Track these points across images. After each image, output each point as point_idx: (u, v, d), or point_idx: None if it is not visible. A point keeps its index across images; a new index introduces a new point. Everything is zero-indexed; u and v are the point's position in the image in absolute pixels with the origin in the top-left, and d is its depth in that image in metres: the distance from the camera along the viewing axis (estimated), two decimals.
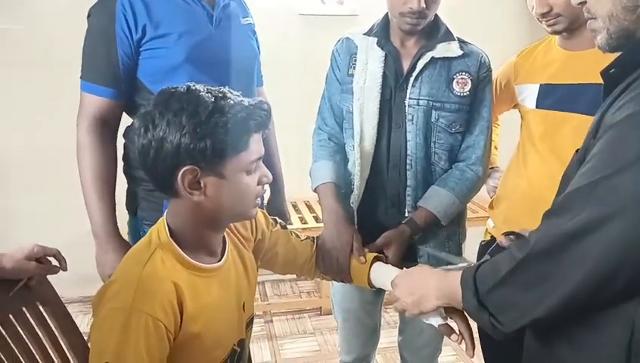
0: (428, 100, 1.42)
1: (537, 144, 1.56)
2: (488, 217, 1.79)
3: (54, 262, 1.20)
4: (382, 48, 1.46)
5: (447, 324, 1.14)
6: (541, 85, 1.55)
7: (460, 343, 1.13)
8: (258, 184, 1.05)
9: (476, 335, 1.15)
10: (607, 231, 0.74)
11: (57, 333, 1.22)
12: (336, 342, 2.69)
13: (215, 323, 1.05)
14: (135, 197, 1.48)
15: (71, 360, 1.24)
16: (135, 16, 1.33)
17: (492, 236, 1.66)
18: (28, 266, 1.13)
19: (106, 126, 1.39)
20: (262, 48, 1.66)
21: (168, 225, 1.03)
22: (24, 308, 1.17)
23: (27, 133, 2.82)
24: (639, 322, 0.79)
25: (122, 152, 1.50)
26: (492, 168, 1.81)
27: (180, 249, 1.02)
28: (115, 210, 1.41)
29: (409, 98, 1.43)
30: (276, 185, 1.77)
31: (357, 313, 1.69)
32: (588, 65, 1.34)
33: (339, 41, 1.56)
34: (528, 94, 1.59)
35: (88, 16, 1.38)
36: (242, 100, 0.99)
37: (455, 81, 1.43)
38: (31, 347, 1.17)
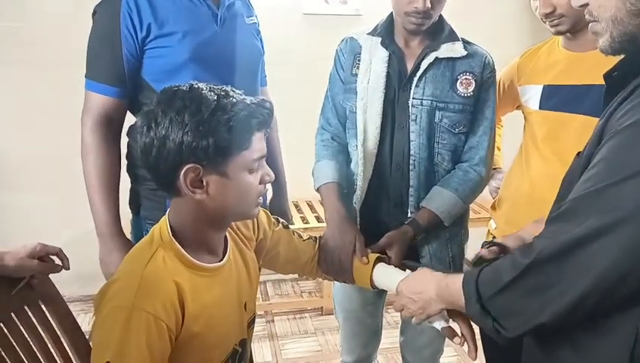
0: (432, 100, 1.42)
1: (540, 145, 1.56)
2: (490, 218, 1.79)
3: (57, 261, 1.20)
4: (386, 48, 1.45)
5: (450, 326, 1.14)
6: (544, 86, 1.55)
7: (462, 346, 1.13)
8: (260, 183, 1.05)
9: (477, 335, 1.15)
10: (614, 238, 0.73)
11: (58, 332, 1.23)
12: (337, 343, 2.68)
13: (216, 322, 1.05)
14: (138, 195, 1.48)
15: (73, 358, 1.24)
16: (140, 15, 1.33)
17: (494, 237, 1.66)
18: (30, 264, 1.13)
19: (110, 125, 1.39)
20: (265, 47, 1.65)
21: (170, 224, 1.03)
22: (26, 307, 1.18)
23: (29, 131, 2.82)
24: None
25: (126, 151, 1.50)
26: (494, 169, 1.81)
27: (182, 249, 1.01)
28: (118, 209, 1.41)
29: (413, 98, 1.43)
30: (278, 185, 1.77)
31: (358, 313, 1.69)
32: (591, 66, 1.33)
33: (343, 40, 1.56)
34: (531, 95, 1.58)
35: (93, 14, 1.38)
36: (244, 99, 0.99)
37: (458, 81, 1.43)
38: (33, 346, 1.17)
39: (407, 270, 1.26)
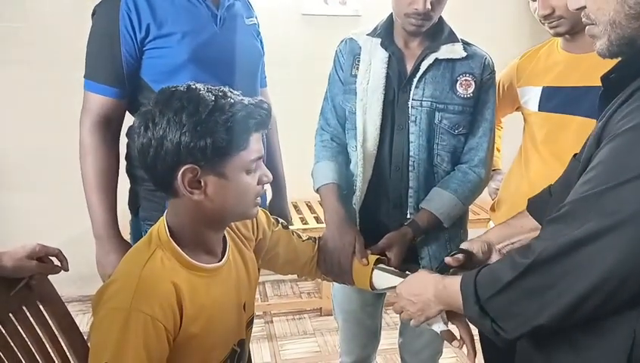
0: (431, 101, 1.42)
1: (539, 147, 1.56)
2: (489, 219, 1.79)
3: (56, 262, 1.20)
4: (386, 49, 1.45)
5: (449, 330, 1.14)
6: (544, 87, 1.55)
7: (461, 349, 1.13)
8: (258, 184, 1.05)
9: (476, 336, 1.15)
10: (613, 240, 0.73)
11: (56, 333, 1.22)
12: (336, 343, 2.68)
13: (215, 323, 1.04)
14: (137, 196, 1.48)
15: (71, 359, 1.24)
16: (139, 15, 1.33)
17: None
18: (29, 265, 1.13)
19: (109, 126, 1.39)
20: (265, 48, 1.65)
21: (168, 225, 1.03)
22: (24, 307, 1.17)
23: (27, 132, 2.82)
24: None
25: (125, 151, 1.50)
26: (494, 170, 1.81)
27: (180, 249, 1.01)
28: (116, 210, 1.41)
29: (412, 99, 1.42)
30: (278, 186, 1.77)
31: (357, 314, 1.69)
32: (591, 68, 1.33)
33: (342, 41, 1.56)
34: (531, 97, 1.58)
35: (93, 14, 1.38)
36: (242, 99, 0.99)
37: (458, 83, 1.43)
38: (31, 346, 1.16)
39: (407, 272, 1.26)
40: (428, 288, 1.06)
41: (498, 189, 1.80)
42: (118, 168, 1.43)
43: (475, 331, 1.10)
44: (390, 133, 1.47)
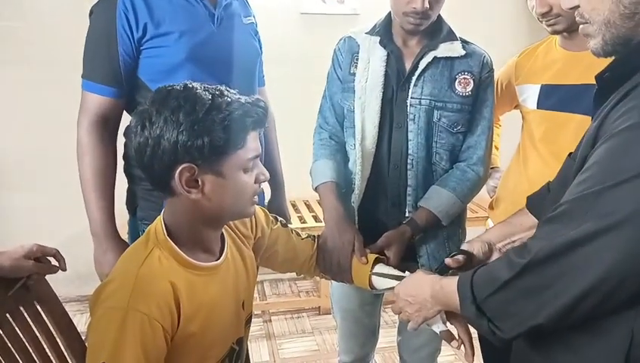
0: (430, 99, 1.42)
1: (538, 145, 1.56)
2: (488, 217, 1.79)
3: (53, 262, 1.20)
4: (384, 47, 1.45)
5: (448, 330, 1.14)
6: (542, 85, 1.55)
7: (459, 349, 1.13)
8: (255, 183, 1.05)
9: (475, 335, 1.14)
10: (610, 241, 0.73)
11: (54, 333, 1.22)
12: (335, 342, 2.68)
13: (213, 322, 1.04)
14: (134, 196, 1.47)
15: (69, 359, 1.24)
16: (137, 14, 1.32)
17: None
18: (26, 265, 1.13)
19: (107, 125, 1.39)
20: (262, 47, 1.65)
21: (165, 224, 1.03)
22: (21, 307, 1.17)
23: (26, 131, 2.81)
24: (638, 331, 0.78)
25: (123, 151, 1.50)
26: (492, 168, 1.81)
27: (177, 248, 1.01)
28: (114, 210, 1.41)
29: (411, 98, 1.42)
30: (276, 185, 1.77)
31: (356, 313, 1.69)
32: (589, 65, 1.33)
33: (341, 39, 1.56)
34: (529, 95, 1.58)
35: (90, 14, 1.38)
36: (239, 98, 0.98)
37: (457, 81, 1.43)
38: (28, 346, 1.16)
39: (406, 272, 1.26)
40: (425, 289, 1.06)
41: (496, 187, 1.80)
42: (115, 167, 1.43)
43: (474, 331, 1.10)
44: (389, 131, 1.47)
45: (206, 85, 0.99)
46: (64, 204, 2.66)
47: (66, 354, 1.23)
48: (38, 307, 1.20)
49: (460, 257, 1.15)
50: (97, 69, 1.36)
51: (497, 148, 1.90)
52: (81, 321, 2.71)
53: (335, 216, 1.43)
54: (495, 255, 1.18)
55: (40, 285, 1.20)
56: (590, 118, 0.96)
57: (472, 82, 1.43)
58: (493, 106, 1.50)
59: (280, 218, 1.36)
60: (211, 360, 1.08)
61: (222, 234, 1.13)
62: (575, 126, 1.43)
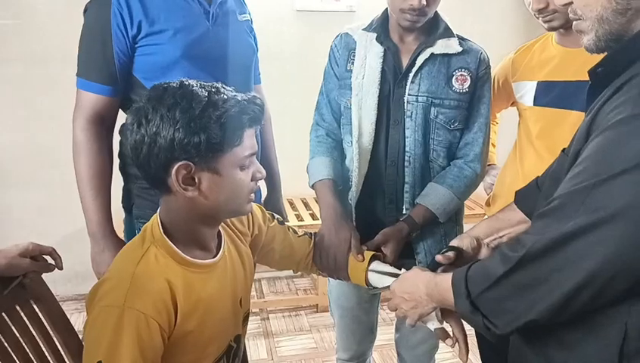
0: (427, 96, 1.42)
1: (534, 142, 1.56)
2: (485, 214, 1.79)
3: (50, 261, 1.19)
4: (381, 44, 1.45)
5: (443, 328, 1.14)
6: (539, 82, 1.55)
7: (453, 347, 1.13)
8: (252, 180, 1.04)
9: (472, 332, 1.14)
10: (603, 234, 0.73)
11: (51, 331, 1.22)
12: (332, 340, 2.69)
13: (211, 319, 1.04)
14: (130, 194, 1.47)
15: (65, 358, 1.23)
16: (131, 12, 1.32)
17: None
18: (22, 263, 1.12)
19: (102, 124, 1.38)
20: (259, 44, 1.65)
21: (161, 222, 1.02)
22: (18, 307, 1.16)
23: (22, 130, 2.81)
24: (632, 325, 0.78)
25: (119, 149, 1.49)
26: (489, 165, 1.81)
27: (174, 246, 1.01)
28: (110, 208, 1.40)
29: (408, 95, 1.42)
30: (273, 183, 1.76)
31: (353, 311, 1.69)
32: (585, 62, 1.32)
33: (337, 36, 1.55)
34: (526, 92, 1.58)
35: (85, 11, 1.37)
36: (235, 95, 0.98)
37: (454, 78, 1.43)
38: (24, 345, 1.16)
39: (402, 269, 1.26)
40: (420, 286, 1.06)
41: (493, 184, 1.80)
42: (112, 166, 1.42)
43: (471, 329, 1.10)
44: (386, 128, 1.46)
45: (203, 83, 0.98)
46: (61, 202, 2.66)
47: (62, 353, 1.23)
48: (35, 306, 1.20)
49: (450, 254, 1.15)
50: (92, 67, 1.35)
51: (494, 145, 1.91)
52: (78, 320, 2.70)
53: (332, 213, 1.43)
54: (484, 251, 1.19)
55: (36, 284, 1.20)
56: None
57: (469, 78, 1.43)
58: (490, 103, 1.50)
59: (277, 216, 1.36)
60: (209, 357, 1.08)
61: (219, 231, 1.12)
62: (572, 123, 1.43)
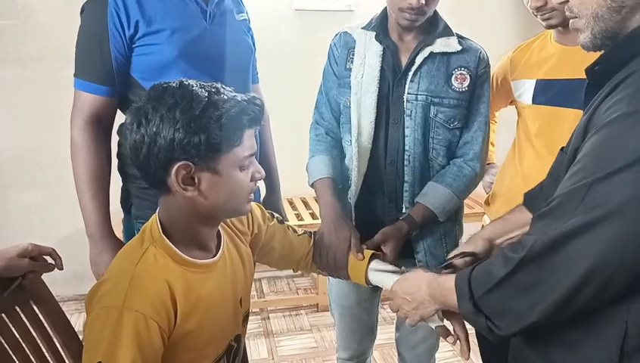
0: (427, 95, 1.42)
1: (533, 140, 1.56)
2: (484, 213, 1.79)
3: (50, 261, 1.19)
4: (380, 43, 1.45)
5: (444, 325, 1.14)
6: (537, 80, 1.55)
7: (454, 345, 1.13)
8: (251, 180, 1.04)
9: (472, 331, 1.14)
10: (602, 232, 0.73)
11: (50, 332, 1.21)
12: (333, 339, 2.69)
13: (211, 319, 1.04)
14: (129, 194, 1.47)
15: (65, 359, 1.23)
16: (128, 12, 1.31)
17: None
18: (21, 263, 1.12)
19: (100, 124, 1.38)
20: (257, 43, 1.64)
21: (160, 222, 1.02)
22: (17, 307, 1.16)
23: (21, 130, 2.80)
24: (632, 324, 0.78)
25: (117, 150, 1.49)
26: (488, 164, 1.81)
27: (173, 246, 1.01)
28: (109, 209, 1.40)
29: (408, 93, 1.42)
30: (272, 183, 1.76)
31: (354, 310, 1.69)
32: (584, 60, 1.33)
33: (337, 35, 1.55)
34: (524, 90, 1.58)
35: (81, 12, 1.36)
36: (235, 96, 0.98)
37: (453, 76, 1.43)
38: (24, 346, 1.16)
39: (402, 267, 1.25)
40: (422, 287, 1.06)
41: (492, 183, 1.80)
42: (110, 166, 1.42)
43: (471, 328, 1.10)
44: (385, 127, 1.46)
45: (202, 83, 0.98)
46: (60, 203, 2.66)
47: (62, 353, 1.23)
48: (35, 307, 1.20)
49: (469, 259, 1.15)
50: (89, 67, 1.35)
51: (493, 144, 1.90)
52: (78, 321, 2.71)
53: (331, 212, 1.42)
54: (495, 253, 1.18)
55: (36, 284, 1.20)
56: None
57: (468, 77, 1.43)
58: (489, 102, 1.49)
59: (276, 215, 1.36)
60: (209, 357, 1.08)
61: (219, 230, 1.12)
62: (570, 121, 1.43)
